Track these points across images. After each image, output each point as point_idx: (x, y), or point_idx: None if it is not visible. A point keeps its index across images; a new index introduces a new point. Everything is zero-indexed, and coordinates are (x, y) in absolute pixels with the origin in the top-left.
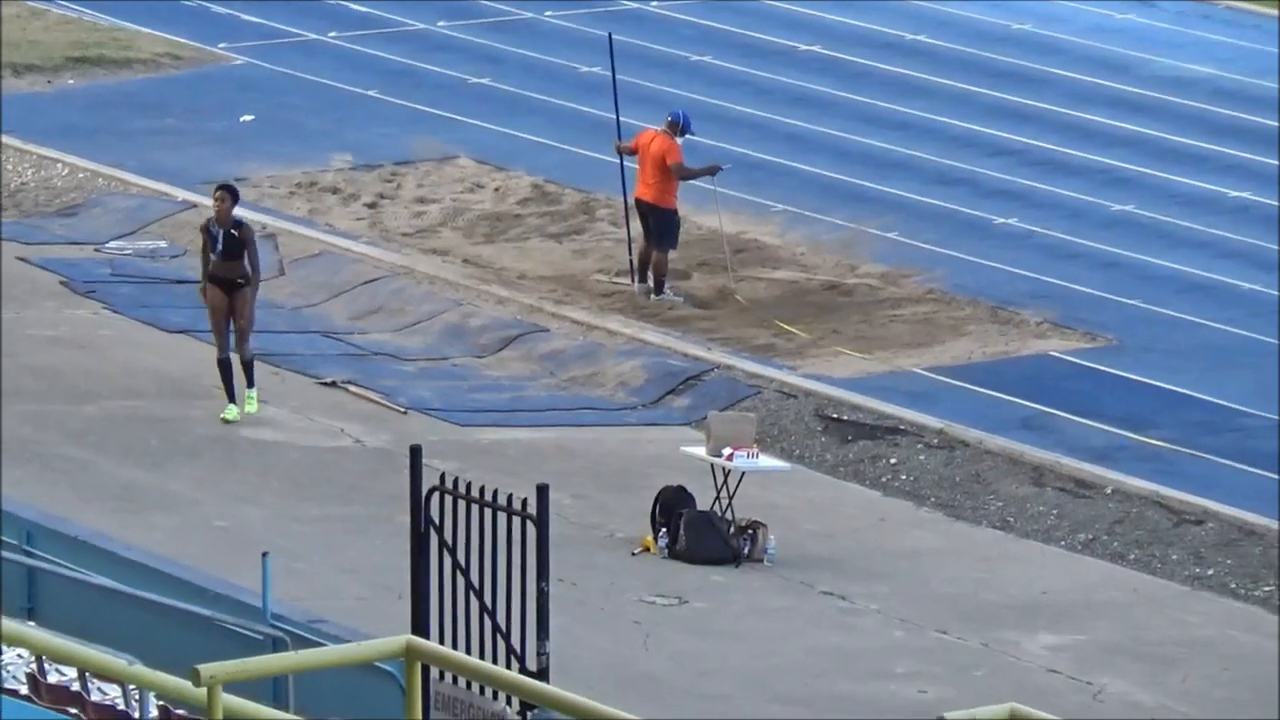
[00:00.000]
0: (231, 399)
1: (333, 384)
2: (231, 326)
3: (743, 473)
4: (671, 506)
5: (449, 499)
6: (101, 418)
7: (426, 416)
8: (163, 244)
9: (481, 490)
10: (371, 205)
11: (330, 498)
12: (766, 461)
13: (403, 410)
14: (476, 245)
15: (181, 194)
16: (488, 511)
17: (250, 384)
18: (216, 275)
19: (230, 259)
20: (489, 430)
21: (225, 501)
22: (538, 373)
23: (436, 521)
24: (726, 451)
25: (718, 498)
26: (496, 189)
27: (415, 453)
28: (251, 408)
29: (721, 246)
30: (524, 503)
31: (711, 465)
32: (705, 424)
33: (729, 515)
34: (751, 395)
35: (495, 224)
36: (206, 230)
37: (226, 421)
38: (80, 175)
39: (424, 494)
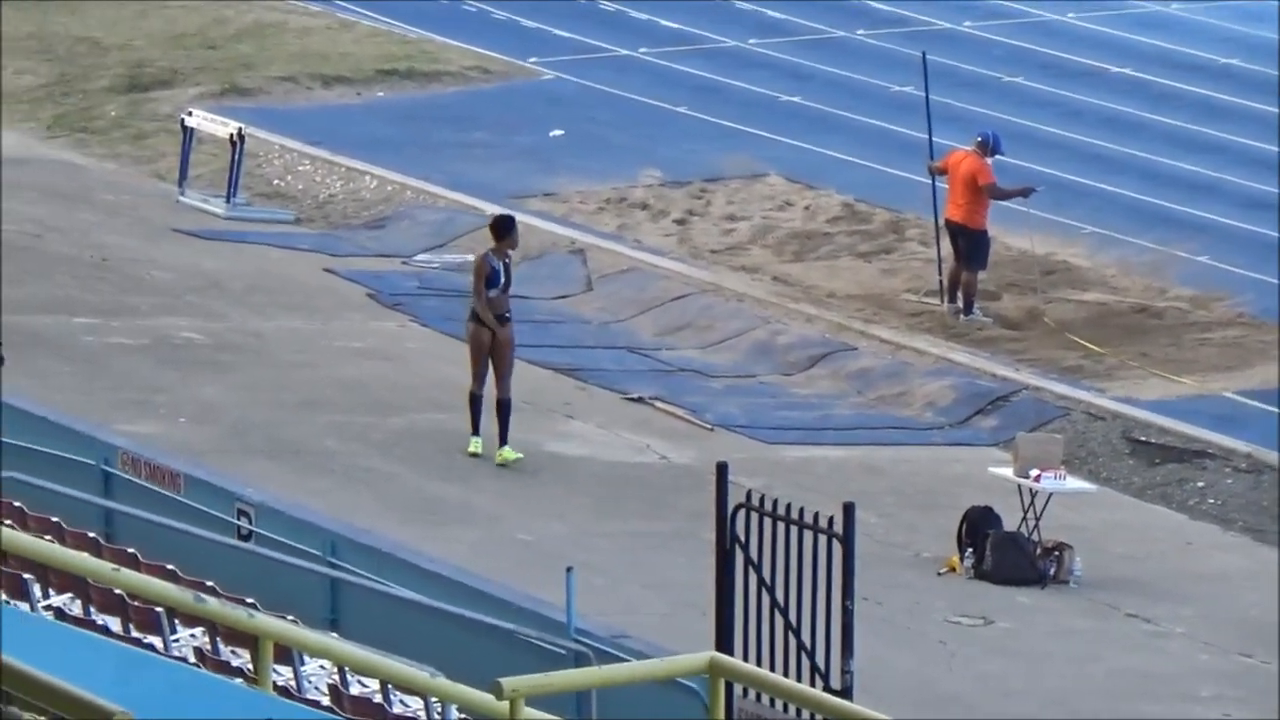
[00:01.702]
0: (476, 431)
1: (639, 400)
2: (489, 365)
3: (1050, 494)
4: (978, 526)
5: (754, 516)
6: (406, 430)
7: (733, 433)
8: (470, 257)
9: (788, 508)
10: (680, 221)
11: (635, 513)
12: (1074, 483)
13: (709, 427)
14: (785, 263)
15: (489, 208)
16: (793, 529)
17: (504, 439)
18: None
19: (505, 291)
20: (795, 448)
21: (529, 516)
22: (845, 391)
23: (742, 538)
24: (1034, 473)
25: (1024, 519)
26: (806, 207)
27: (721, 469)
28: (508, 455)
29: (1031, 268)
30: (830, 520)
31: (1019, 486)
32: (1013, 445)
33: (1035, 536)
34: (1059, 417)
35: (805, 242)
36: (487, 264)
37: (473, 455)
38: (388, 188)
39: (730, 511)
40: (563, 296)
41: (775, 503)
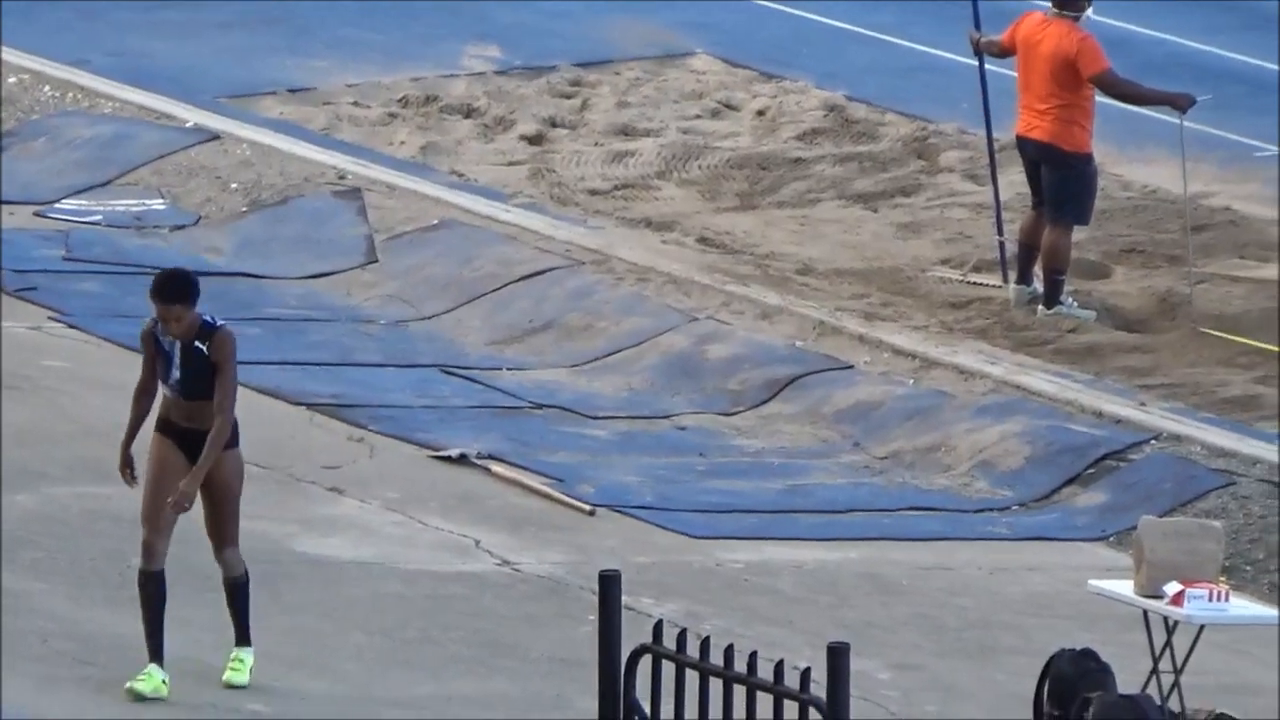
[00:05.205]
0: None
1: (462, 459)
2: None
3: (1201, 626)
4: (1072, 685)
5: (667, 666)
6: (38, 515)
7: (629, 518)
8: (159, 204)
9: (727, 650)
10: (536, 139)
11: (453, 669)
12: (1243, 607)
13: (588, 508)
14: (724, 212)
15: (193, 115)
16: (738, 687)
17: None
18: None
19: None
20: (735, 544)
21: (259, 674)
22: (830, 441)
23: (646, 708)
24: (1172, 588)
25: (1155, 670)
26: (761, 112)
27: (608, 584)
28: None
29: (1173, 221)
30: (804, 674)
31: (1144, 612)
32: (1134, 538)
33: (1178, 706)
34: (1218, 488)
35: (759, 174)
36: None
37: None
38: (12, 79)
39: (623, 660)
40: (323, 274)
41: (706, 641)
